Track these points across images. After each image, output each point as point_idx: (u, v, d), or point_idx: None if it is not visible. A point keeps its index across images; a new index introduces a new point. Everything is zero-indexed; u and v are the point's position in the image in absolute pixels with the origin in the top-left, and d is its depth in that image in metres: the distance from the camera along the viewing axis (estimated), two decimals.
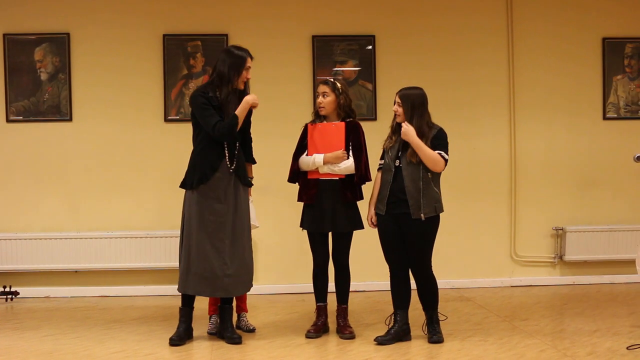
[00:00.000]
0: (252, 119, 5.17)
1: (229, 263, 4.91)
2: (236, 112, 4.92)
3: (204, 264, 4.90)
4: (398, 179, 4.92)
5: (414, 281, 5.05)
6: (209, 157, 4.94)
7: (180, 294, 5.06)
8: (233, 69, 4.94)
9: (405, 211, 4.88)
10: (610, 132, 7.07)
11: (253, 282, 5.14)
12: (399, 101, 4.98)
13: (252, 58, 5.02)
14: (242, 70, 4.96)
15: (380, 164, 5.11)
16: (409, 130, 4.86)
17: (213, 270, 4.89)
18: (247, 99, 4.95)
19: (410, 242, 4.94)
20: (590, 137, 7.07)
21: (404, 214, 4.89)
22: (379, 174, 5.11)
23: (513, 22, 6.96)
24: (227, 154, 4.96)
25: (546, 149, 7.03)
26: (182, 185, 5.03)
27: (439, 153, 4.88)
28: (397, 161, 4.94)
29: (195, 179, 4.93)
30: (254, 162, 5.28)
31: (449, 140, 4.99)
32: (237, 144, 5.03)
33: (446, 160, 4.91)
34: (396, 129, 5.03)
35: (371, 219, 5.11)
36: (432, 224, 4.93)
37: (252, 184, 5.21)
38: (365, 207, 5.21)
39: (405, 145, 4.93)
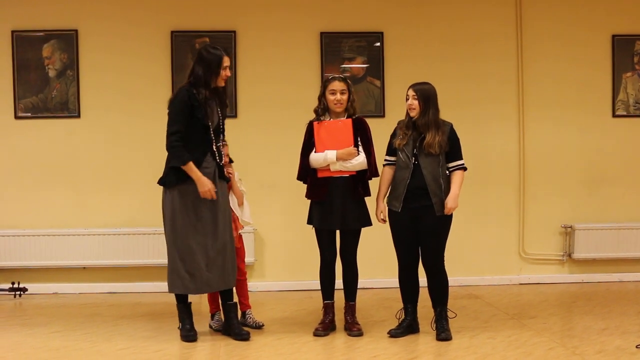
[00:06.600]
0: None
1: (212, 258, 4.90)
2: (187, 169, 4.82)
3: (190, 261, 4.89)
4: (417, 177, 4.93)
5: (422, 277, 5.07)
6: (194, 152, 4.88)
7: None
8: (210, 70, 4.90)
9: (425, 204, 4.90)
10: (620, 129, 7.03)
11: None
12: (414, 94, 4.97)
13: (228, 57, 4.97)
14: (219, 71, 4.92)
15: (387, 160, 5.12)
16: (450, 208, 4.92)
17: (198, 267, 4.88)
18: (203, 191, 4.81)
19: (426, 236, 4.96)
20: (599, 135, 7.03)
21: (422, 207, 4.91)
22: (386, 170, 5.12)
23: (522, 20, 6.93)
24: (215, 149, 4.94)
25: (555, 146, 7.00)
26: (162, 183, 4.97)
27: (459, 168, 4.98)
28: (413, 158, 4.94)
29: (181, 174, 4.87)
30: (231, 161, 5.31)
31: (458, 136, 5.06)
32: (222, 139, 5.03)
33: (465, 168, 5.02)
34: (409, 125, 5.01)
35: (381, 213, 5.11)
36: (449, 218, 4.97)
37: (230, 180, 5.16)
38: (372, 204, 5.20)
39: (421, 142, 4.92)
